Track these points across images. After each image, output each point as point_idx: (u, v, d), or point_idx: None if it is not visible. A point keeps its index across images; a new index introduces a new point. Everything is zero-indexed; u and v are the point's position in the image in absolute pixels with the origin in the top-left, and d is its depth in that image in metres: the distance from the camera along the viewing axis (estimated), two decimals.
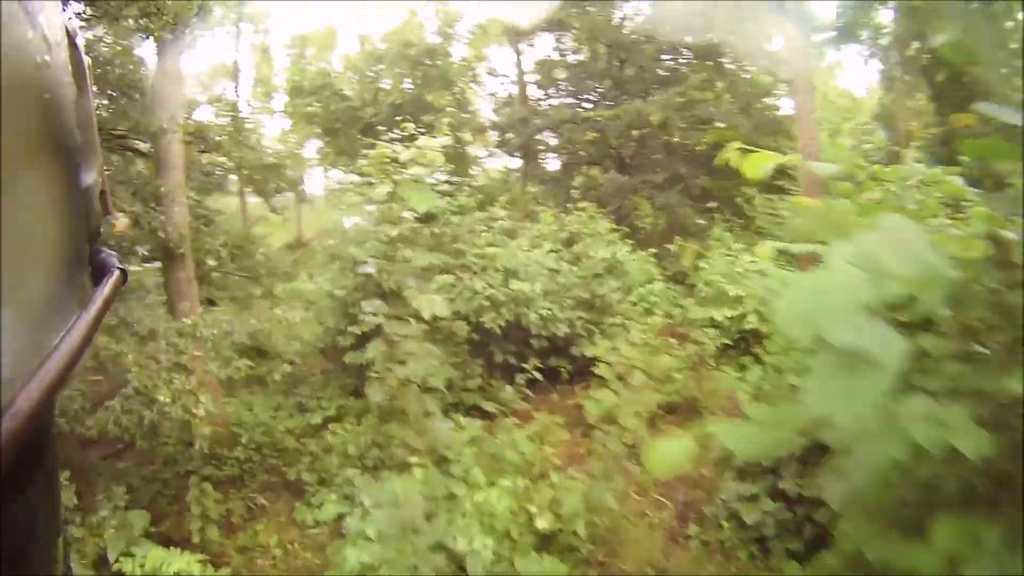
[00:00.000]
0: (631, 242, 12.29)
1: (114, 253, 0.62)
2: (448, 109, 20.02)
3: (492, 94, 21.56)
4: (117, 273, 0.57)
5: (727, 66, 18.03)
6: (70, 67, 0.52)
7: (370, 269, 9.43)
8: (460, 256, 10.50)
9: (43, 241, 0.44)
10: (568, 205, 13.34)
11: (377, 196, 9.12)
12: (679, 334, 11.00)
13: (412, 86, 19.80)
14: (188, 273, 11.07)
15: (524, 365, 9.88)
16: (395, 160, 8.42)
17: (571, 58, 19.40)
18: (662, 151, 17.47)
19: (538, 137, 18.92)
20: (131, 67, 10.91)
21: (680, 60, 18.15)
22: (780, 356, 8.09)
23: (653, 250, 12.74)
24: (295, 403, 11.09)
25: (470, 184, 13.19)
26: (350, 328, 9.76)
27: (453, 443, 7.75)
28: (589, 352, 9.79)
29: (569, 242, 11.77)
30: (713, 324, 10.77)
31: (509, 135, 19.01)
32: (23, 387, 0.37)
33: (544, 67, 19.75)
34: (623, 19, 18.56)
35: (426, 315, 7.54)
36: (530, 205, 15.64)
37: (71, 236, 0.50)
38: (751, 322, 10.30)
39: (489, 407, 9.57)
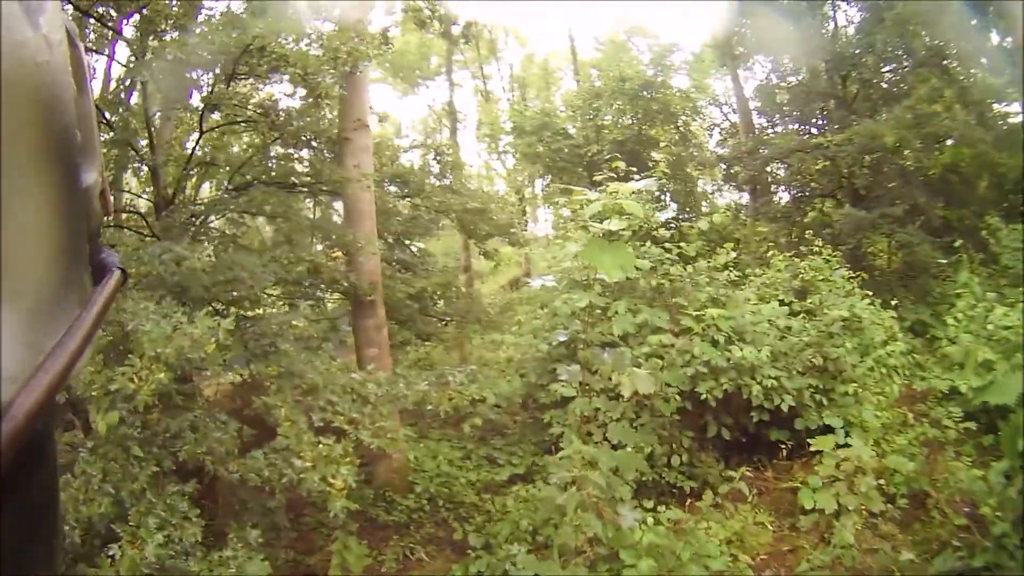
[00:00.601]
0: (868, 291, 11.28)
1: (115, 253, 0.63)
2: (670, 145, 19.71)
3: (715, 125, 21.09)
4: (117, 273, 0.59)
5: (954, 69, 16.12)
6: (70, 67, 0.53)
7: (562, 338, 9.36)
8: (681, 311, 10.00)
9: (43, 241, 0.45)
10: (802, 247, 12.50)
11: (566, 255, 8.64)
12: (918, 409, 9.92)
13: (632, 121, 19.67)
14: (378, 320, 11.22)
15: (742, 439, 9.37)
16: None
17: (791, 79, 18.37)
18: (897, 178, 16.02)
19: (767, 169, 18.08)
20: (316, 118, 11.40)
21: (903, 68, 16.60)
22: None
23: (893, 300, 11.64)
24: (485, 454, 10.82)
25: (694, 225, 12.61)
26: (551, 385, 9.24)
27: (633, 538, 6.70)
28: (814, 425, 9.09)
29: (802, 293, 11.14)
30: (954, 393, 9.68)
31: (736, 168, 18.25)
32: (23, 387, 0.37)
33: (764, 92, 18.99)
34: (835, 29, 17.40)
35: (626, 393, 6.58)
36: (760, 247, 14.81)
37: (71, 236, 0.51)
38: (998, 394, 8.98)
39: (691, 486, 8.93)
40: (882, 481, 7.68)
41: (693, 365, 9.14)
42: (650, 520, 7.46)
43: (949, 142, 15.55)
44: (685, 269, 10.58)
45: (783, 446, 9.27)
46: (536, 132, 19.75)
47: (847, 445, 8.15)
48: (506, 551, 7.30)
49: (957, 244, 12.24)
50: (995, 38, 16.52)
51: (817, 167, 16.83)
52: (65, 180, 0.49)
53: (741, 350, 9.06)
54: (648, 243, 10.41)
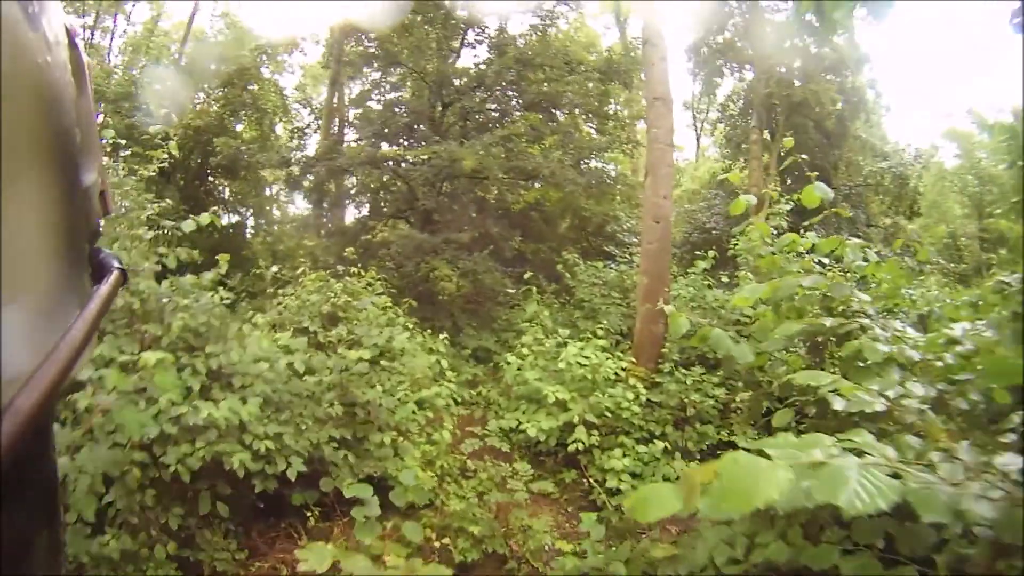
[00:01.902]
0: (419, 317, 9.38)
1: (114, 253, 0.59)
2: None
3: (298, 128, 18.40)
4: (116, 273, 0.55)
5: (561, 119, 15.96)
6: (70, 67, 0.50)
7: None
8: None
9: (43, 241, 0.43)
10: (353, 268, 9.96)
11: None
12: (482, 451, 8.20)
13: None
14: None
15: (259, 504, 6.42)
16: None
17: (391, 95, 16.32)
18: (474, 207, 14.90)
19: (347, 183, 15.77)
20: None
21: (510, 105, 15.75)
22: None
23: (447, 327, 9.81)
24: None
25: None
26: None
27: None
28: (344, 484, 6.49)
29: (332, 319, 8.44)
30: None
31: (305, 175, 15.51)
32: (23, 387, 0.35)
33: (359, 103, 16.67)
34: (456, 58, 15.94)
35: None
36: (299, 264, 11.81)
37: (71, 236, 0.48)
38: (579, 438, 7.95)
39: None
40: (447, 543, 6.27)
41: (160, 421, 5.49)
42: None
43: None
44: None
45: (311, 512, 6.60)
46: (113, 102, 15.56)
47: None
48: None
49: (527, 276, 10.62)
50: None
51: (394, 187, 15.04)
52: (65, 180, 0.48)
53: (217, 404, 5.74)
54: None
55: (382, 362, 7.77)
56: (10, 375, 0.35)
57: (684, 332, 4.62)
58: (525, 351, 8.97)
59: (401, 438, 7.26)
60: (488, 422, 8.95)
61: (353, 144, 15.31)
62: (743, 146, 19.50)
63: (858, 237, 15.93)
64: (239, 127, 17.77)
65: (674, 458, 8.27)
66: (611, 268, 12.79)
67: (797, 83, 17.68)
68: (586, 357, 8.29)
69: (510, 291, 12.54)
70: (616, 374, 8.46)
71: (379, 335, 7.87)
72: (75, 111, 0.51)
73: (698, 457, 8.74)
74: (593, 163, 16.51)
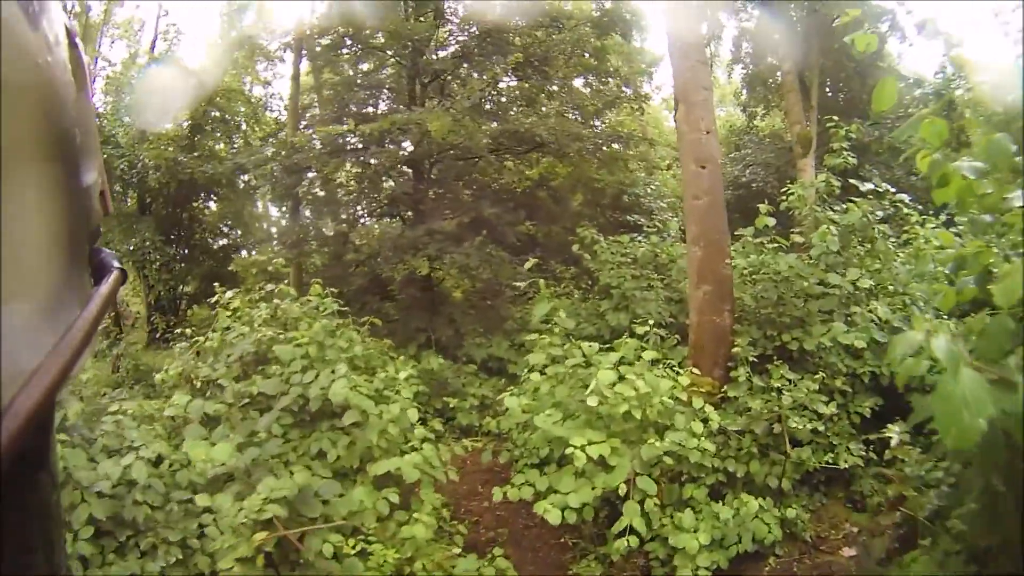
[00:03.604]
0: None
1: (114, 253, 0.57)
2: None
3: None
4: (116, 273, 0.53)
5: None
6: (70, 67, 0.49)
7: None
8: None
9: (43, 241, 0.42)
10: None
11: None
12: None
13: None
14: None
15: None
16: None
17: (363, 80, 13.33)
18: (468, 192, 12.33)
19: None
20: None
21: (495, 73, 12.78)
22: None
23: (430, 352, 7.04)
24: None
25: None
26: None
27: None
28: None
29: (258, 361, 5.82)
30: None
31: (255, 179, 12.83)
32: (23, 387, 0.35)
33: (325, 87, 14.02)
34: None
35: None
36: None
37: (71, 236, 0.47)
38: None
39: None
40: None
41: None
42: None
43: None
44: None
45: None
46: None
47: None
48: None
49: (530, 263, 7.77)
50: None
51: (373, 181, 12.06)
52: (65, 180, 0.46)
53: None
54: None
55: (321, 426, 4.98)
56: (10, 375, 0.34)
57: None
58: (535, 378, 5.95)
59: (350, 543, 4.46)
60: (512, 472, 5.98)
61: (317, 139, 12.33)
62: (769, 83, 16.20)
63: (912, 174, 13.37)
64: (219, 146, 15.80)
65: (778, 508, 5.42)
66: (640, 241, 9.74)
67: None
68: (629, 379, 5.28)
69: (518, 284, 9.60)
70: (674, 397, 5.48)
71: (311, 383, 5.03)
72: (75, 111, 0.47)
73: (796, 496, 5.86)
74: (598, 126, 13.74)
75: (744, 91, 17.28)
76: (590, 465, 5.04)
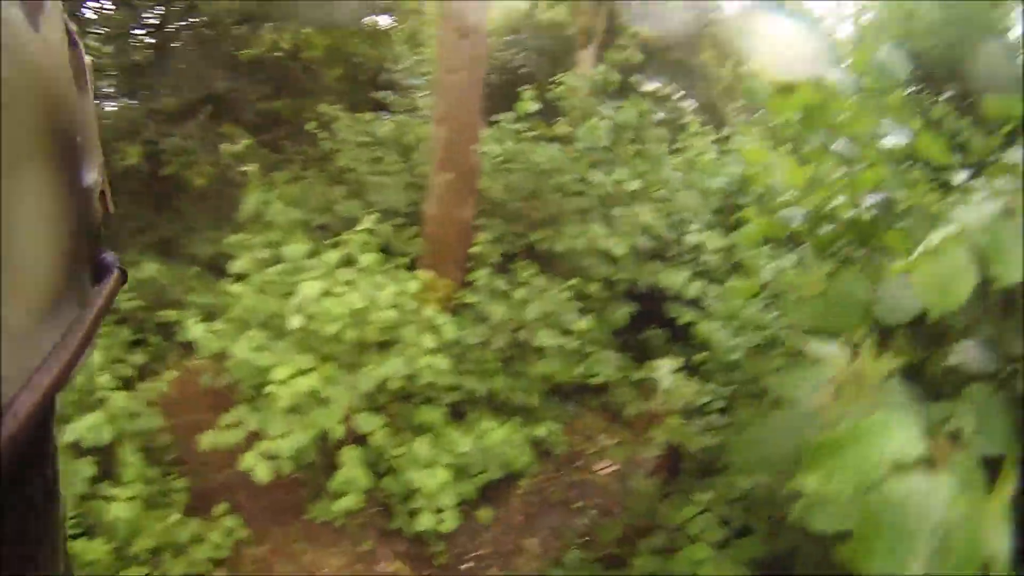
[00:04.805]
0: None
1: (114, 253, 0.53)
2: None
3: None
4: (116, 273, 0.50)
5: None
6: (70, 67, 0.45)
7: None
8: None
9: (43, 241, 0.40)
10: None
11: None
12: None
13: None
14: None
15: None
16: None
17: None
18: (208, 63, 9.97)
19: None
20: None
21: None
22: None
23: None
24: None
25: None
26: None
27: None
28: None
29: None
30: None
31: None
32: (23, 387, 0.33)
33: None
34: None
35: None
36: None
37: (71, 236, 0.44)
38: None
39: None
40: None
41: None
42: None
43: None
44: None
45: None
46: None
47: None
48: None
49: (245, 144, 6.33)
50: None
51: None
52: (65, 180, 0.43)
53: None
54: None
55: None
56: (10, 375, 0.32)
57: None
58: (235, 289, 4.64)
59: None
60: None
61: None
62: None
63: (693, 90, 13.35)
64: None
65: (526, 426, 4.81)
66: (386, 119, 8.52)
67: None
68: (339, 292, 4.16)
69: (246, 168, 7.97)
70: (401, 306, 4.47)
71: None
72: (75, 111, 0.45)
73: (547, 408, 5.34)
74: None
75: None
76: (304, 398, 4.00)
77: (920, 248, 1.76)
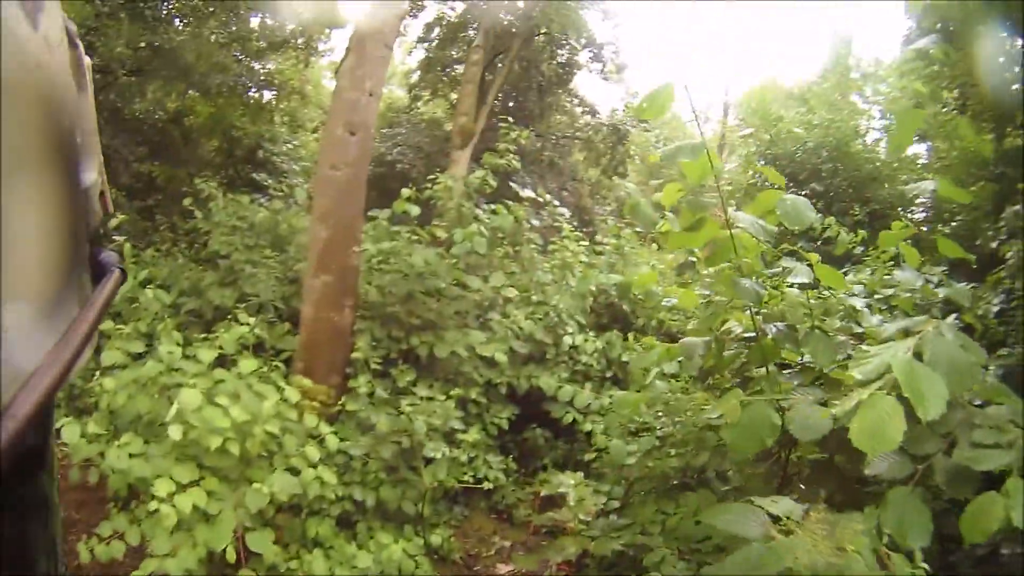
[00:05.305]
0: None
1: (114, 253, 0.56)
2: None
3: None
4: (117, 273, 0.52)
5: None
6: (70, 67, 0.47)
7: None
8: None
9: (43, 241, 0.41)
10: None
11: None
12: None
13: None
14: None
15: None
16: None
17: None
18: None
19: None
20: None
21: None
22: None
23: None
24: None
25: None
26: None
27: None
28: None
29: None
30: None
31: None
32: (23, 387, 0.34)
33: None
34: None
35: None
36: None
37: (71, 236, 0.45)
38: None
39: None
40: None
41: None
42: None
43: None
44: None
45: None
46: None
47: None
48: None
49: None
50: None
51: None
52: (65, 180, 0.45)
53: None
54: None
55: None
56: (10, 375, 0.33)
57: None
58: (109, 385, 4.11)
59: None
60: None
61: None
62: (447, 71, 15.64)
63: (564, 190, 14.01)
64: None
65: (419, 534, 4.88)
66: (262, 205, 8.20)
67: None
68: (220, 403, 3.89)
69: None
70: (281, 415, 4.37)
71: None
72: (75, 111, 0.45)
73: (437, 514, 5.35)
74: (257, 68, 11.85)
75: (417, 73, 16.53)
76: (189, 514, 3.69)
77: (853, 401, 1.99)
